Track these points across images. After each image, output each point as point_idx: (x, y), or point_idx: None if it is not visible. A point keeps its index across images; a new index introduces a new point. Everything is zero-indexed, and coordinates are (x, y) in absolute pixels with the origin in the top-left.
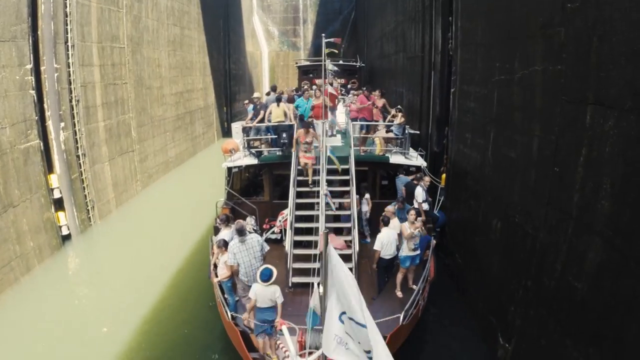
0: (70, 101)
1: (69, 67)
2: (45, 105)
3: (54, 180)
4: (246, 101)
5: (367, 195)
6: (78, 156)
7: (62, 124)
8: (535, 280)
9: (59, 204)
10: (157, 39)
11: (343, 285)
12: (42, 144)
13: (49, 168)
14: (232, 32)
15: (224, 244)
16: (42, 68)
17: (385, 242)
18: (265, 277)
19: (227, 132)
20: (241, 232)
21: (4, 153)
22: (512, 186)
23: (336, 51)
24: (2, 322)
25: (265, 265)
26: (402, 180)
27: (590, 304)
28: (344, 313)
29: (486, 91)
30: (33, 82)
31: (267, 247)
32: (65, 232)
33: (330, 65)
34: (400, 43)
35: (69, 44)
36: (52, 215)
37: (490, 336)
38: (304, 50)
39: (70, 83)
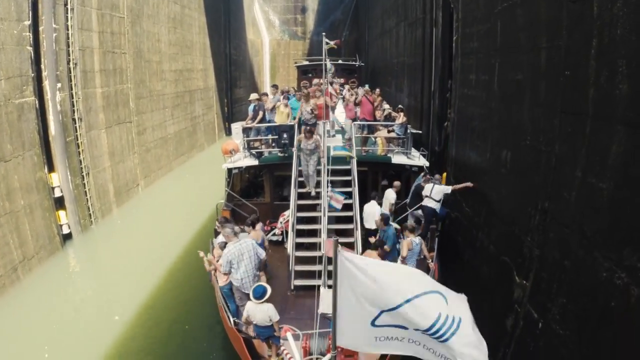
0: (68, 63)
1: (67, 29)
2: (43, 65)
3: (54, 179)
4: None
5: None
6: (74, 119)
7: (59, 85)
8: (553, 199)
9: (59, 203)
10: (157, 14)
11: (368, 287)
12: (37, 102)
13: (44, 128)
14: (233, 17)
15: (225, 246)
16: (40, 28)
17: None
18: (258, 294)
19: (229, 131)
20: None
21: None
22: (521, 109)
23: (335, 47)
24: (7, 316)
25: (259, 283)
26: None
27: (619, 201)
28: (379, 316)
29: (489, 25)
30: (31, 40)
31: (262, 254)
32: (66, 230)
33: (329, 65)
34: (401, 13)
35: (69, 6)
36: (45, 175)
37: (506, 279)
38: (305, 39)
39: (68, 45)
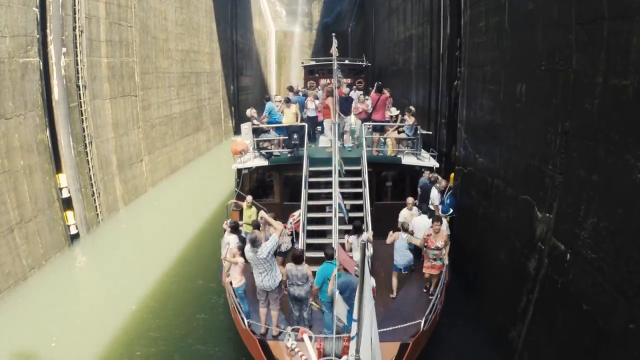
0: (74, 30)
1: None
2: (48, 30)
3: (62, 180)
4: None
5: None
6: (78, 86)
7: (64, 50)
8: (574, 115)
9: (67, 204)
10: None
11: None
12: (41, 63)
13: (47, 92)
14: (240, 5)
15: (242, 248)
16: None
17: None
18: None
19: (237, 131)
20: (254, 242)
21: (1, 62)
22: (535, 37)
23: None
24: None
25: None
26: (422, 182)
27: None
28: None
29: None
30: (37, 1)
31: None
32: (73, 231)
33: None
34: None
35: None
36: (46, 137)
37: (526, 219)
38: (312, 30)
39: (74, 12)
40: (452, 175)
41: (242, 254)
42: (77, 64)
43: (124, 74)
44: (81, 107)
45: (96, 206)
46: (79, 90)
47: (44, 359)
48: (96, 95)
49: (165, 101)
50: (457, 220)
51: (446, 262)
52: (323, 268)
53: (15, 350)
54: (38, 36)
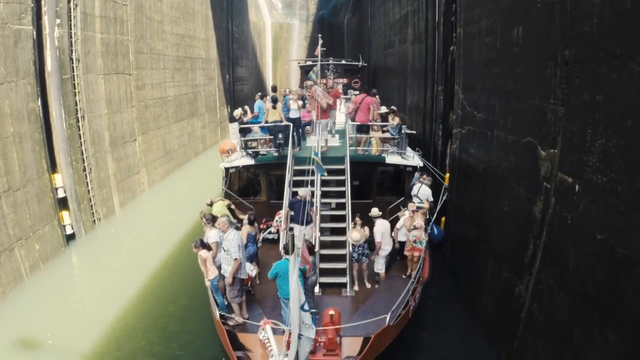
0: (69, 2)
1: None
2: (43, 1)
3: (58, 179)
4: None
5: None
6: (72, 59)
7: (58, 21)
8: (573, 41)
9: (63, 204)
10: None
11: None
12: (35, 33)
13: (40, 62)
14: None
15: (201, 244)
16: None
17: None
18: None
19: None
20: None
21: None
22: None
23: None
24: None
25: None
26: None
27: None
28: None
29: None
30: None
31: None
32: (69, 231)
33: (316, 69)
34: None
35: None
36: (37, 107)
37: (529, 162)
38: (308, 22)
39: None
40: (447, 175)
41: (204, 247)
42: (71, 37)
43: (118, 52)
44: (74, 80)
45: (87, 182)
46: (72, 63)
47: (42, 356)
48: (89, 70)
49: (160, 83)
50: (455, 184)
51: (424, 260)
52: (279, 263)
53: (13, 347)
54: (32, 5)
